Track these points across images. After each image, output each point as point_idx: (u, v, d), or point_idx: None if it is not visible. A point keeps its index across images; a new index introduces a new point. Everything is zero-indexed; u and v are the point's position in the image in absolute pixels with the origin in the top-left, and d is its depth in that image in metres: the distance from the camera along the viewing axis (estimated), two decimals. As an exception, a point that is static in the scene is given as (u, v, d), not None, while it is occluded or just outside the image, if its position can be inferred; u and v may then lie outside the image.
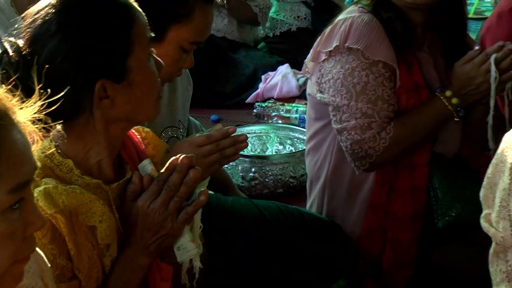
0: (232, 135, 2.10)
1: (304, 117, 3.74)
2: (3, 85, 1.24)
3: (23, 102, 1.23)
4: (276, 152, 3.48)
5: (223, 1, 4.45)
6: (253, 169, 3.26)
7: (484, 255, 1.86)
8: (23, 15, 1.65)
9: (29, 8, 1.66)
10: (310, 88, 2.56)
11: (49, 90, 1.36)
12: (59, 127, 1.63)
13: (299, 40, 4.75)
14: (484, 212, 1.84)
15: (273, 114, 4.11)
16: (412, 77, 2.46)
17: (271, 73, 4.53)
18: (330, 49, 2.43)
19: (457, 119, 2.47)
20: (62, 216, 1.57)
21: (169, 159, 1.68)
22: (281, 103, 4.26)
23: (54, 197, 1.57)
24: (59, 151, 1.65)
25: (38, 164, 1.23)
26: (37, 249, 1.43)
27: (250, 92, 4.50)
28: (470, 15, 6.54)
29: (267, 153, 3.47)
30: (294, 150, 3.43)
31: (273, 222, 2.51)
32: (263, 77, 4.52)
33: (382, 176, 2.47)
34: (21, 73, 1.55)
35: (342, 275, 2.60)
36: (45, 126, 1.30)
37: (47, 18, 1.60)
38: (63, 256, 1.59)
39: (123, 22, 1.63)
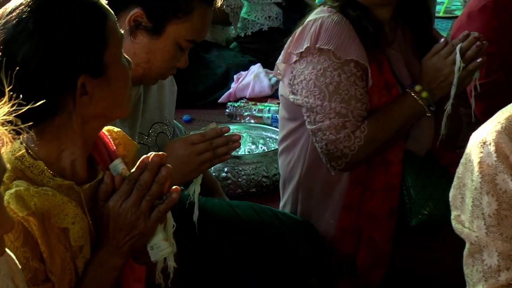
0: (225, 134, 2.13)
1: (276, 116, 3.75)
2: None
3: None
4: (248, 151, 3.48)
5: (234, 14, 4.50)
6: (225, 169, 3.27)
7: (456, 253, 1.87)
8: None
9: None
10: (283, 90, 2.57)
11: (22, 91, 1.36)
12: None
13: (270, 40, 4.75)
14: (453, 213, 1.85)
15: (246, 113, 4.12)
16: (383, 75, 2.47)
17: (243, 73, 4.53)
18: (301, 51, 2.43)
19: (429, 114, 2.49)
20: (34, 219, 1.57)
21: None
22: (253, 102, 4.26)
23: (26, 200, 1.56)
24: (30, 152, 1.64)
25: (8, 166, 1.22)
26: (8, 251, 1.42)
27: (223, 91, 4.50)
28: (441, 14, 6.58)
29: (239, 153, 3.47)
30: (266, 150, 3.44)
31: (247, 221, 2.52)
32: (235, 76, 4.52)
33: (356, 175, 2.48)
34: None
35: (315, 275, 2.61)
36: (15, 128, 1.29)
37: (23, 17, 1.59)
38: (35, 259, 1.58)
39: (97, 17, 1.64)
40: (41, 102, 1.43)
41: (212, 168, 3.26)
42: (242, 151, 3.50)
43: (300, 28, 2.48)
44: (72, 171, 1.68)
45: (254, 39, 4.95)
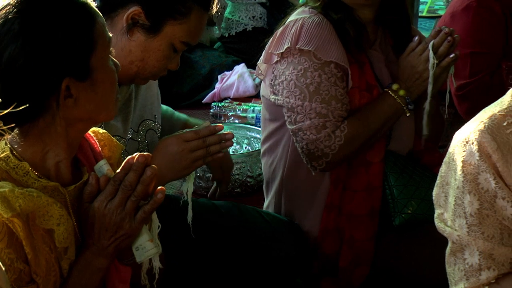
0: (219, 132, 2.16)
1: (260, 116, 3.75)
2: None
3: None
4: (233, 151, 3.49)
5: (217, 14, 4.50)
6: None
7: (439, 252, 1.88)
8: None
9: None
10: (264, 90, 2.58)
11: (5, 92, 1.35)
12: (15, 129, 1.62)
13: (254, 40, 4.75)
14: (437, 211, 1.86)
15: (230, 113, 4.12)
16: (364, 76, 2.48)
17: (227, 73, 4.54)
18: (282, 51, 2.44)
19: (408, 114, 2.50)
20: (19, 220, 1.56)
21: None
22: (237, 102, 4.27)
23: (11, 201, 1.56)
24: (15, 153, 1.64)
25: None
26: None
27: (207, 92, 4.51)
28: (424, 14, 6.62)
29: (224, 153, 3.47)
30: (251, 150, 3.45)
31: (231, 221, 2.52)
32: (219, 77, 4.53)
33: (337, 176, 2.49)
34: None
35: (299, 274, 2.62)
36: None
37: (8, 17, 1.58)
38: (20, 260, 1.58)
39: (85, 20, 1.63)
40: (25, 103, 1.42)
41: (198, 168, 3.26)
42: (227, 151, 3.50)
43: (281, 29, 2.48)
44: (57, 172, 1.68)
45: (238, 39, 4.96)
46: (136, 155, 1.68)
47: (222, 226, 2.50)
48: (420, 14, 5.91)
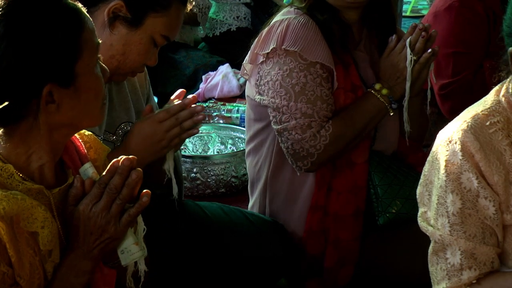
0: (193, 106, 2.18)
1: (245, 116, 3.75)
2: None
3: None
4: (217, 152, 3.49)
5: (202, 14, 4.50)
6: (195, 169, 3.27)
7: (423, 251, 1.89)
8: None
9: None
10: (249, 90, 2.58)
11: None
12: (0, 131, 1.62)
13: (239, 40, 4.76)
14: (420, 210, 1.87)
15: (215, 114, 4.12)
16: (349, 77, 2.49)
17: (211, 73, 4.53)
18: (267, 51, 2.44)
19: (392, 113, 2.51)
20: (3, 223, 1.56)
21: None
22: (222, 103, 4.27)
23: (-5, 204, 1.56)
24: (-1, 155, 1.64)
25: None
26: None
27: (191, 92, 4.48)
28: (408, 13, 6.64)
29: (208, 153, 3.48)
30: (235, 150, 3.45)
31: (215, 222, 2.52)
32: (203, 77, 4.53)
33: (321, 177, 2.49)
34: None
35: (284, 275, 2.62)
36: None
37: None
38: (3, 263, 1.58)
39: (73, 27, 1.62)
40: (4, 105, 1.41)
41: (182, 168, 3.26)
42: (211, 151, 3.51)
43: (266, 29, 2.49)
44: (41, 175, 1.68)
45: (223, 39, 4.95)
46: (121, 158, 1.68)
47: (207, 227, 2.50)
48: (404, 14, 5.93)
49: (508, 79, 1.83)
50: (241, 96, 4.36)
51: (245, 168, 3.22)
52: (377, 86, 2.49)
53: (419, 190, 1.89)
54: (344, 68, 2.48)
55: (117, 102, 2.34)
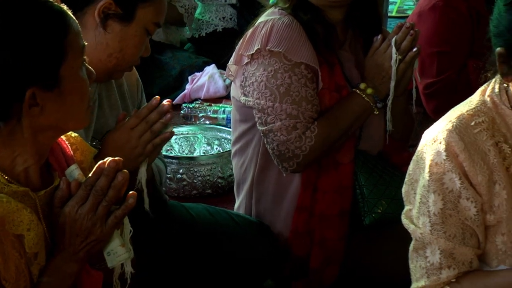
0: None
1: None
2: None
3: None
4: (204, 153, 3.49)
5: (188, 14, 4.51)
6: (181, 170, 3.27)
7: (408, 251, 1.90)
8: None
9: None
10: (234, 91, 2.58)
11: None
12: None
13: (225, 41, 4.76)
14: (406, 208, 1.88)
15: (201, 115, 4.11)
16: (334, 77, 2.50)
17: (197, 74, 4.53)
18: (252, 52, 2.45)
19: (377, 112, 2.51)
20: (-12, 226, 1.56)
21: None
22: (208, 103, 4.26)
23: (-20, 207, 1.55)
24: (-16, 158, 1.63)
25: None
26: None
27: (177, 93, 4.49)
28: (393, 14, 6.65)
29: (195, 154, 3.48)
30: (222, 151, 3.45)
31: (201, 223, 2.52)
32: (190, 78, 4.52)
33: (307, 177, 2.50)
34: None
35: (270, 276, 2.62)
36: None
37: None
38: (-11, 266, 1.58)
39: (57, 30, 1.61)
40: None
41: (167, 169, 3.26)
42: (197, 152, 3.50)
43: (250, 30, 2.49)
44: (26, 178, 1.67)
45: (209, 40, 4.95)
46: (107, 159, 1.68)
47: (192, 229, 2.50)
48: (389, 14, 5.95)
49: (494, 79, 1.84)
50: (227, 96, 4.36)
51: (231, 169, 3.22)
52: (362, 85, 2.50)
53: (404, 188, 1.90)
54: (329, 68, 2.48)
55: (106, 108, 2.33)
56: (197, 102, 4.33)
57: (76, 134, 1.85)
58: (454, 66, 3.22)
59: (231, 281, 2.51)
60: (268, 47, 2.42)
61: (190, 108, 4.20)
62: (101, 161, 1.68)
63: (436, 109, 3.23)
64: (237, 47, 2.52)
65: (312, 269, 2.53)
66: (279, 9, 2.51)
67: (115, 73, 2.25)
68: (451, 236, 1.78)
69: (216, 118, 4.08)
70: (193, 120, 4.13)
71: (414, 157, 1.86)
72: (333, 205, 2.51)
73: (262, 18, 2.51)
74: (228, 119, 3.95)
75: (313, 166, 2.49)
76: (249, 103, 2.48)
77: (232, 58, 2.54)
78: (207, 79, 4.44)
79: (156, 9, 2.22)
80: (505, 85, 1.80)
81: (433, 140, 1.80)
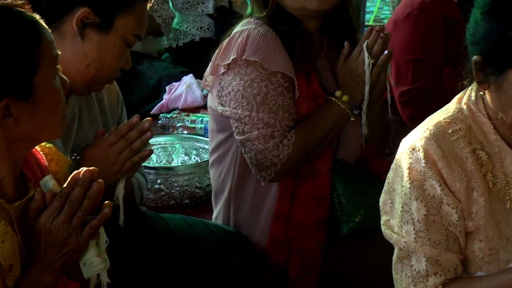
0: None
1: (209, 127, 3.75)
2: None
3: None
4: (181, 163, 3.48)
5: (165, 24, 4.50)
6: (158, 181, 3.25)
7: (388, 259, 1.90)
8: None
9: None
10: (211, 101, 2.58)
11: None
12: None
13: (202, 51, 4.74)
14: (383, 218, 1.88)
15: (178, 124, 4.10)
16: (311, 87, 2.50)
17: (175, 84, 4.52)
18: (228, 62, 2.44)
19: (353, 119, 2.51)
20: (-38, 238, 1.54)
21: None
22: (186, 113, 4.25)
23: (-46, 219, 1.53)
24: (-42, 170, 1.62)
25: None
26: None
27: (155, 103, 4.48)
28: (370, 23, 6.69)
29: (172, 164, 3.46)
30: (199, 161, 3.44)
31: (179, 234, 2.51)
32: (167, 88, 4.51)
33: (284, 186, 2.49)
34: None
35: (248, 285, 2.61)
36: None
37: None
38: (-36, 278, 1.56)
39: (30, 39, 1.60)
40: None
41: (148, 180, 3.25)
42: (175, 162, 3.49)
43: (226, 40, 2.49)
44: (0, 189, 1.66)
45: (186, 50, 4.95)
46: (82, 169, 1.66)
47: (170, 239, 2.49)
48: (366, 23, 5.97)
49: (470, 87, 1.85)
50: (205, 106, 4.33)
51: (209, 179, 3.20)
52: (338, 93, 2.50)
53: (382, 197, 1.90)
54: (306, 77, 2.49)
55: (86, 122, 2.31)
56: (174, 112, 4.32)
57: (50, 145, 1.83)
58: (429, 74, 3.24)
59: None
60: (244, 57, 2.42)
61: (168, 118, 4.18)
62: (76, 171, 1.67)
63: (411, 116, 3.24)
64: (213, 57, 2.52)
65: (290, 278, 2.53)
66: (255, 18, 2.51)
67: (95, 85, 2.22)
68: (435, 243, 1.78)
69: (194, 128, 4.07)
70: (170, 130, 4.12)
71: (392, 166, 1.86)
72: (311, 214, 2.51)
73: (237, 28, 2.51)
74: (206, 129, 3.94)
75: (291, 175, 2.48)
76: (226, 112, 2.47)
77: (208, 68, 2.53)
78: (184, 89, 4.43)
79: (136, 20, 2.20)
80: (481, 93, 1.81)
81: (411, 148, 1.80)
